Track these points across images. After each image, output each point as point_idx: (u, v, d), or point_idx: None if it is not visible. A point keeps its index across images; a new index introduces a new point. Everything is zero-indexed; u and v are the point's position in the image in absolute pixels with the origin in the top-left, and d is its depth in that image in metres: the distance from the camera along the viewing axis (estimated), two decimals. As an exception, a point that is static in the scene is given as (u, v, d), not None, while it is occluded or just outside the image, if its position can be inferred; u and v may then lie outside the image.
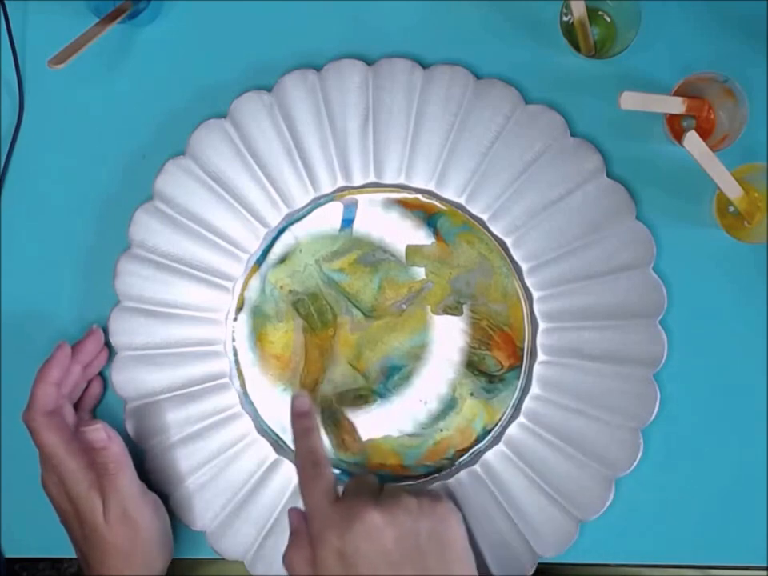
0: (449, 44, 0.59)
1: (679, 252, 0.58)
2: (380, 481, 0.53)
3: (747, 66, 0.58)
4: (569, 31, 0.57)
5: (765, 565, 0.58)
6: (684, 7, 0.58)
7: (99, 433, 0.53)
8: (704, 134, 0.55)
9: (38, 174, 0.60)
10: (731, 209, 0.57)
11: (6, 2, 0.60)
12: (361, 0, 0.59)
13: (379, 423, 0.59)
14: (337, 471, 0.59)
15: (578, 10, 0.56)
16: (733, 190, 0.54)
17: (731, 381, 0.58)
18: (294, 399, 0.54)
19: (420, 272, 0.59)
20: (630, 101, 0.53)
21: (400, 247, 0.59)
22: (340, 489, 0.52)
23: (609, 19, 0.58)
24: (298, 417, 0.54)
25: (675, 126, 0.58)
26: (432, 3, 0.59)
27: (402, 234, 0.59)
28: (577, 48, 0.57)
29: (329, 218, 0.59)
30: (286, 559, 0.51)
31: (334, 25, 0.59)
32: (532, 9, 0.59)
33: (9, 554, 0.61)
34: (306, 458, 0.52)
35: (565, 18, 0.57)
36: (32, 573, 0.62)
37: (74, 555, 0.56)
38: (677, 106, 0.55)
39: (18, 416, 0.55)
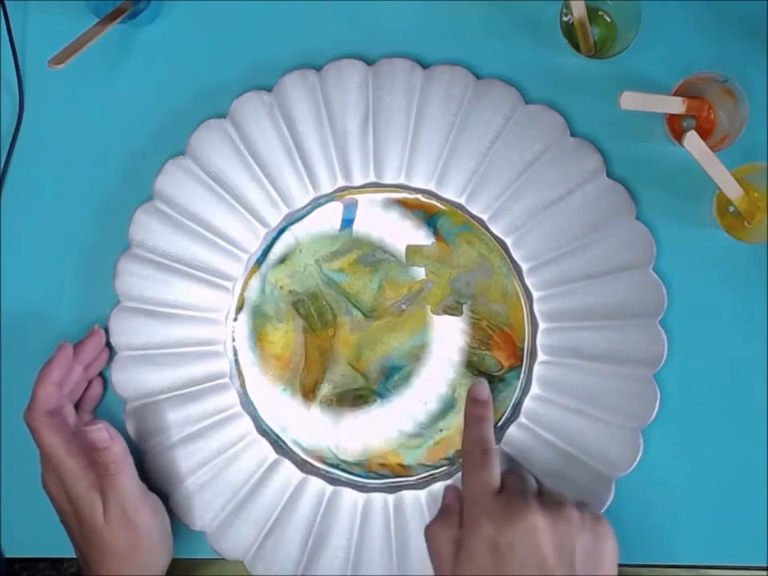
0: (449, 44, 0.59)
1: (679, 252, 0.58)
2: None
3: (747, 66, 0.58)
4: (569, 31, 0.57)
5: (765, 565, 0.58)
6: (684, 7, 0.58)
7: (101, 433, 0.53)
8: (704, 134, 0.55)
9: (38, 174, 0.60)
10: (731, 209, 0.57)
11: (6, 2, 0.60)
12: (361, 0, 0.59)
13: (379, 423, 0.59)
14: (336, 471, 0.59)
15: (578, 10, 0.56)
16: (733, 190, 0.54)
17: (731, 381, 0.58)
18: (472, 386, 0.56)
19: (420, 272, 0.59)
20: (630, 101, 0.53)
21: (400, 247, 0.59)
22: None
23: (609, 19, 0.58)
24: (475, 403, 0.55)
25: (675, 126, 0.58)
26: (432, 3, 0.59)
27: (402, 233, 0.59)
28: (577, 48, 0.57)
29: (329, 217, 0.59)
30: (430, 531, 0.51)
31: (334, 25, 0.59)
32: (532, 9, 0.59)
33: (9, 554, 0.61)
34: (475, 445, 0.53)
35: (565, 18, 0.57)
36: (32, 573, 0.62)
37: (73, 555, 0.56)
38: (677, 106, 0.55)
39: (18, 416, 0.55)
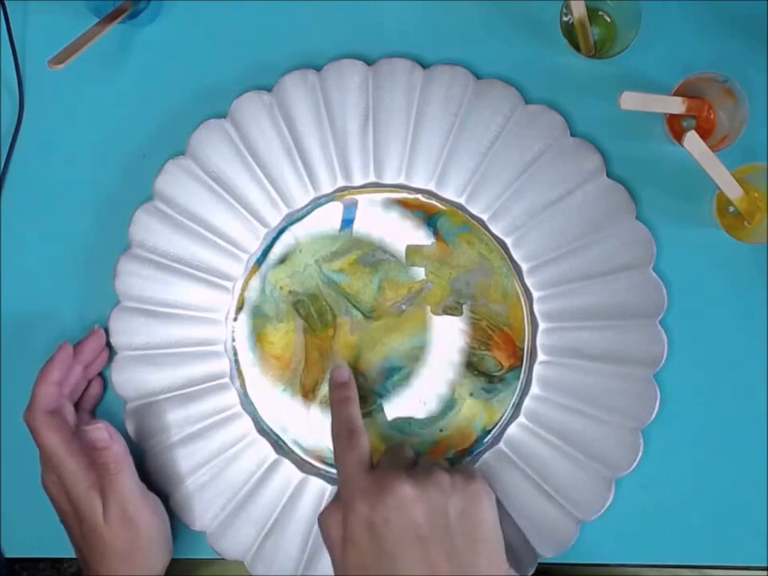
0: (449, 44, 0.59)
1: (679, 252, 0.58)
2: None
3: (747, 66, 0.58)
4: (569, 31, 0.57)
5: (765, 565, 0.58)
6: (684, 7, 0.58)
7: (101, 432, 0.53)
8: (704, 134, 0.55)
9: (38, 174, 0.60)
10: (731, 209, 0.57)
11: (6, 2, 0.60)
12: (361, 0, 0.59)
13: (379, 423, 0.59)
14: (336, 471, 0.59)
15: (578, 10, 0.56)
16: (733, 190, 0.54)
17: (731, 381, 0.58)
18: (333, 369, 0.57)
19: (420, 272, 0.59)
20: (630, 101, 0.53)
21: (400, 247, 0.59)
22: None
23: (609, 19, 0.58)
24: (337, 386, 0.56)
25: (675, 126, 0.57)
26: (432, 3, 0.59)
27: (401, 234, 0.59)
28: (577, 48, 0.57)
29: (329, 218, 0.59)
30: (320, 518, 0.52)
31: (333, 25, 0.59)
32: (532, 9, 0.59)
33: (9, 554, 0.61)
34: (343, 426, 0.54)
35: (565, 18, 0.57)
36: (32, 573, 0.62)
37: (74, 555, 0.56)
38: (677, 106, 0.55)
39: (18, 416, 0.55)
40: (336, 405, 0.55)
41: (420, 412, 0.59)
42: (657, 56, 0.58)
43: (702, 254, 0.58)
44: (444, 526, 0.49)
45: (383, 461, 0.52)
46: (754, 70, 0.58)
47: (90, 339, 0.58)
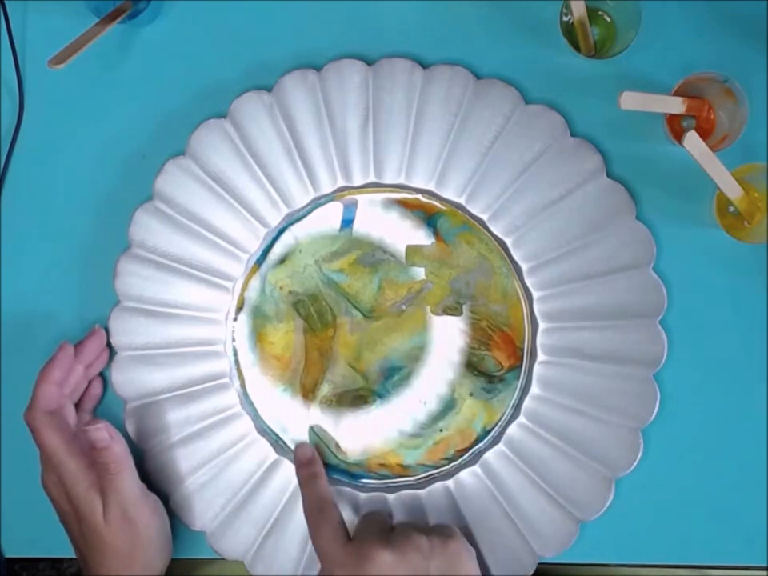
0: (449, 44, 0.59)
1: (679, 252, 0.58)
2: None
3: (747, 66, 0.58)
4: (569, 31, 0.57)
5: (765, 565, 0.58)
6: (684, 7, 0.58)
7: (102, 432, 0.53)
8: (704, 134, 0.55)
9: (38, 174, 0.60)
10: (731, 209, 0.57)
11: (6, 2, 0.60)
12: (361, 0, 0.59)
13: (379, 424, 0.59)
14: (337, 471, 0.59)
15: (578, 10, 0.56)
16: (733, 190, 0.54)
17: (731, 381, 0.58)
18: (297, 448, 0.57)
19: (420, 272, 0.59)
20: (630, 101, 0.53)
21: (400, 247, 0.59)
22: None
23: (609, 19, 0.58)
24: (303, 465, 0.56)
25: (675, 126, 0.57)
26: (432, 3, 0.59)
27: (401, 234, 0.59)
28: (577, 48, 0.57)
29: (329, 218, 0.59)
30: None
31: (334, 25, 0.59)
32: (532, 9, 0.59)
33: (9, 554, 0.61)
34: (314, 504, 0.54)
35: (565, 18, 0.57)
36: (32, 573, 0.62)
37: (73, 555, 0.56)
38: (677, 106, 0.55)
39: (17, 416, 0.55)
40: (304, 484, 0.56)
41: (420, 412, 0.59)
42: (657, 56, 0.58)
43: (702, 254, 0.58)
44: None
45: (359, 530, 0.53)
46: (754, 69, 0.58)
47: (90, 339, 0.58)
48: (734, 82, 0.54)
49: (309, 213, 0.59)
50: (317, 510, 0.54)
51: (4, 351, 0.60)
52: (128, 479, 0.54)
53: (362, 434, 0.59)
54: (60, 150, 0.60)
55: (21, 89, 0.60)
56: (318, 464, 0.57)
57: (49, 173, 0.60)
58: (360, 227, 0.59)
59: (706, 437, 0.58)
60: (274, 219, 0.59)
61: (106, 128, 0.60)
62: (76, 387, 0.58)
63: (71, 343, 0.57)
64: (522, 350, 0.58)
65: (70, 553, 0.56)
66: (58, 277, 0.60)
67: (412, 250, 0.59)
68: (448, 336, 0.59)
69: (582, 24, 0.57)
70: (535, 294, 0.58)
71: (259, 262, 0.59)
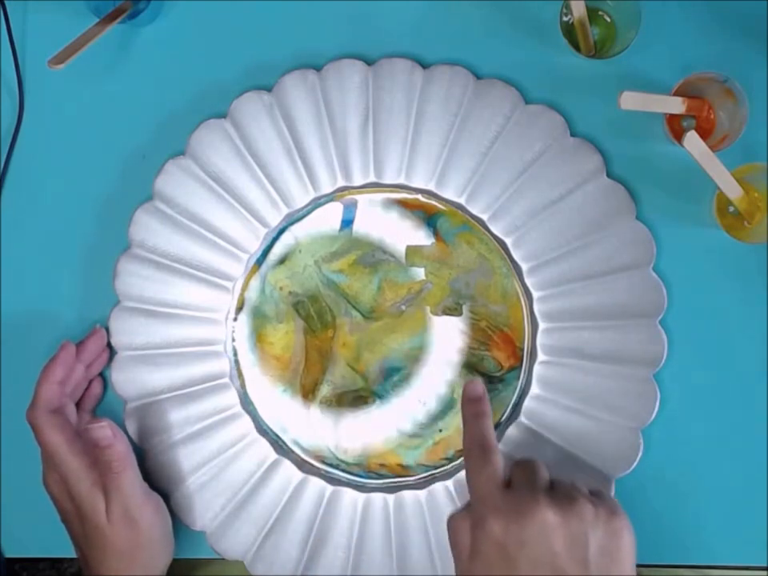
0: (449, 44, 0.59)
1: (679, 252, 0.58)
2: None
3: (747, 65, 0.58)
4: (569, 31, 0.57)
5: (765, 565, 0.58)
6: (684, 7, 0.58)
7: (105, 431, 0.53)
8: (704, 134, 0.55)
9: (38, 174, 0.60)
10: (731, 209, 0.57)
11: (6, 2, 0.60)
12: (361, 0, 0.59)
13: (378, 424, 0.59)
14: (336, 471, 0.59)
15: (578, 9, 0.56)
16: (733, 190, 0.54)
17: (731, 380, 0.58)
18: (467, 384, 0.53)
19: (420, 273, 0.59)
20: (630, 101, 0.53)
21: (400, 247, 0.59)
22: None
23: (609, 19, 0.58)
24: (470, 401, 0.52)
25: (675, 126, 0.57)
26: (432, 3, 0.59)
27: (401, 234, 0.59)
28: (577, 48, 0.57)
29: (329, 218, 0.59)
30: (451, 522, 0.49)
31: (333, 25, 0.59)
32: (532, 9, 0.59)
33: (9, 554, 0.61)
34: (475, 443, 0.51)
35: (565, 18, 0.57)
36: (32, 573, 0.62)
37: (74, 555, 0.56)
38: (677, 106, 0.55)
39: (19, 415, 0.55)
40: (469, 420, 0.52)
41: (420, 412, 0.59)
42: (657, 56, 0.58)
43: (702, 254, 0.58)
44: (582, 559, 0.47)
45: (518, 479, 0.49)
46: (754, 69, 0.58)
47: (91, 339, 0.58)
48: (734, 82, 0.54)
49: (309, 213, 0.59)
50: (479, 449, 0.50)
51: (4, 351, 0.60)
52: (131, 478, 0.54)
53: (361, 434, 0.59)
54: (60, 149, 0.60)
55: (21, 89, 0.60)
56: (487, 403, 0.53)
57: (49, 173, 0.60)
58: (360, 227, 0.59)
59: (706, 437, 0.58)
60: (274, 219, 0.59)
61: (105, 128, 0.60)
62: (77, 387, 0.58)
63: (73, 343, 0.57)
64: (522, 350, 0.58)
65: (70, 553, 0.56)
66: (58, 277, 0.60)
67: (412, 251, 0.59)
68: (448, 336, 0.59)
69: (582, 24, 0.57)
70: (535, 294, 0.58)
71: (259, 262, 0.59)
